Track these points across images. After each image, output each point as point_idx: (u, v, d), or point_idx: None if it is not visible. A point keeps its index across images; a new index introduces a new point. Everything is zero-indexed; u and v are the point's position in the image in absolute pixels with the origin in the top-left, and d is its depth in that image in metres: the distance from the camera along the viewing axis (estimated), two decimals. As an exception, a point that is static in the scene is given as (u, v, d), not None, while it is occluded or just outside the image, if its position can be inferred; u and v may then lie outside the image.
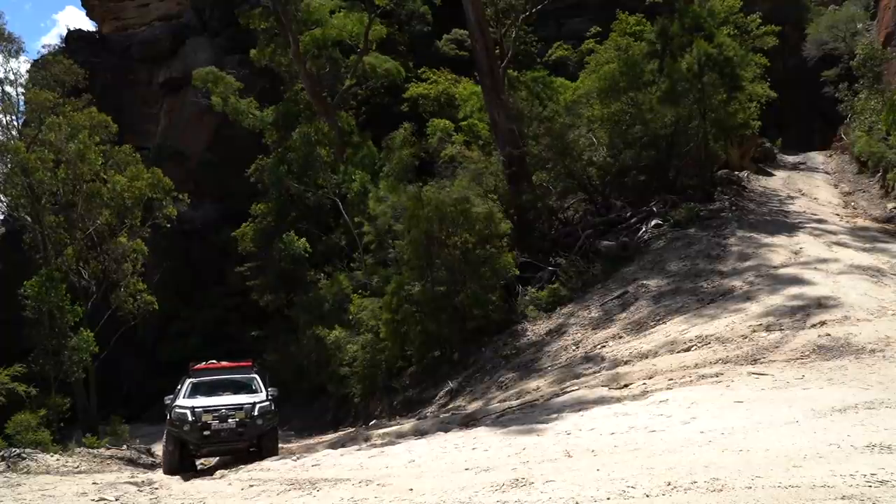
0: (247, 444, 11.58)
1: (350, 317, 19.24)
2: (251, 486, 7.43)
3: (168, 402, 12.18)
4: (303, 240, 24.32)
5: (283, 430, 17.32)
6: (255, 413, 11.52)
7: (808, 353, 8.91)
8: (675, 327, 11.75)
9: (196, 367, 12.77)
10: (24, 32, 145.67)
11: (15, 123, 23.00)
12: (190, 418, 11.15)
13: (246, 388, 12.24)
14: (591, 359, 11.90)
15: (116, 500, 7.61)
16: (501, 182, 19.91)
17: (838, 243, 15.50)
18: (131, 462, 13.33)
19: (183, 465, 11.49)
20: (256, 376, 12.76)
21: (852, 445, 5.04)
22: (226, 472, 9.95)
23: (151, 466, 13.01)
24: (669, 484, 4.73)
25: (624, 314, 13.55)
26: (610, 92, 20.16)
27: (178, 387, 12.52)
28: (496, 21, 24.57)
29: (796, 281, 12.40)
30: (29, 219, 21.29)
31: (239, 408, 11.43)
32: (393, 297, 15.99)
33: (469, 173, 19.78)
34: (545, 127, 19.79)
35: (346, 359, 18.33)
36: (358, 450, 9.74)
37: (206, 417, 11.17)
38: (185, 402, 11.65)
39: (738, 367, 8.93)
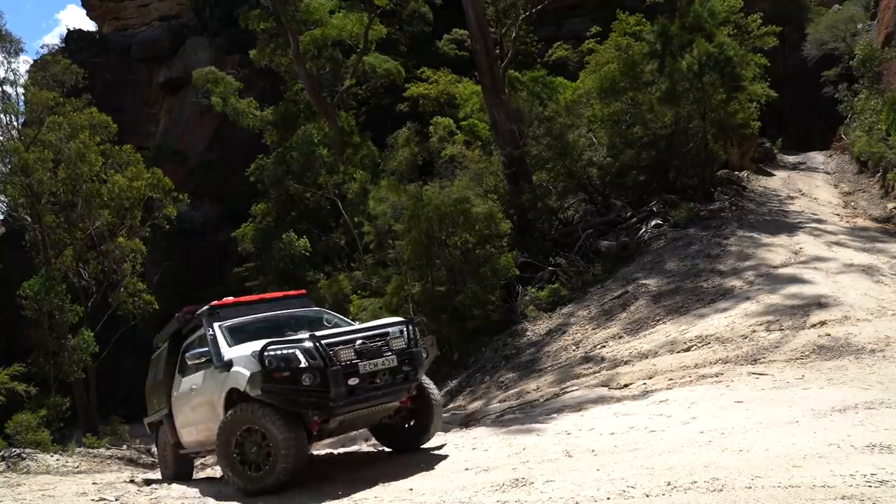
0: (406, 397, 7.13)
1: (350, 317, 19.24)
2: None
3: (154, 376, 9.01)
4: (303, 239, 24.35)
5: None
6: (413, 336, 7.14)
7: (808, 353, 8.91)
8: (674, 327, 11.75)
9: (218, 302, 8.31)
10: (26, 32, 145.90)
11: (15, 123, 23.05)
12: (313, 359, 6.44)
13: (322, 324, 8.02)
14: (591, 359, 11.90)
15: (116, 500, 7.61)
16: (501, 182, 19.93)
17: (838, 243, 15.50)
18: (131, 462, 13.33)
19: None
20: (326, 311, 8.97)
21: (852, 445, 5.04)
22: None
23: (152, 466, 12.99)
24: (669, 484, 4.73)
25: (624, 314, 13.55)
26: (610, 92, 20.17)
27: (191, 338, 8.35)
28: (496, 21, 24.58)
29: (796, 281, 12.40)
30: (29, 219, 21.31)
31: (383, 334, 6.96)
32: (393, 297, 15.99)
33: (469, 173, 19.80)
34: (545, 127, 19.79)
35: (346, 359, 18.30)
36: (358, 450, 9.73)
37: (346, 354, 6.58)
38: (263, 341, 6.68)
39: (738, 367, 8.93)
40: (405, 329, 7.12)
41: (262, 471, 6.46)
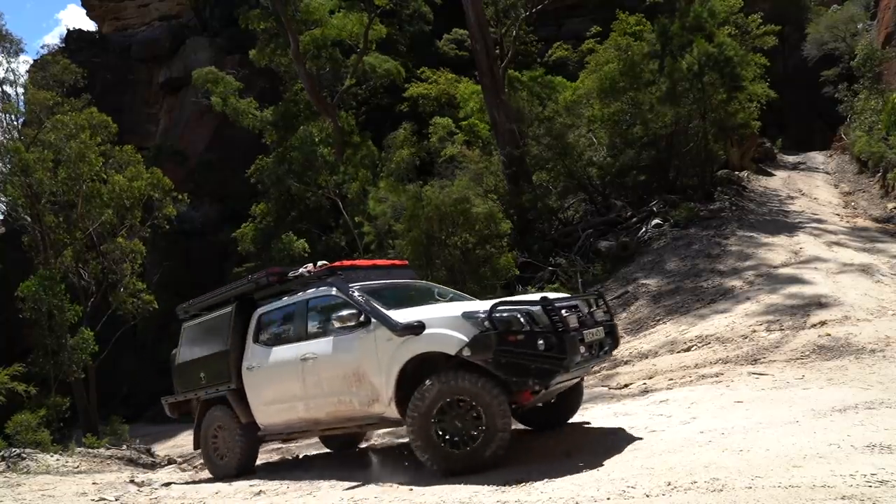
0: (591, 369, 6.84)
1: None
2: (251, 486, 7.42)
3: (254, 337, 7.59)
4: (302, 240, 24.34)
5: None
6: (610, 309, 7.16)
7: (808, 353, 8.92)
8: (674, 327, 11.76)
9: (338, 264, 7.69)
10: (26, 32, 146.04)
11: (15, 123, 23.04)
12: (536, 324, 5.90)
13: (435, 296, 7.59)
14: (591, 359, 11.88)
15: (116, 500, 7.61)
16: (501, 182, 19.95)
17: (838, 243, 15.52)
18: (131, 462, 13.29)
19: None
20: (434, 284, 8.65)
21: (852, 445, 5.04)
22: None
23: (152, 466, 12.96)
24: (669, 484, 4.73)
25: (624, 314, 13.55)
26: (610, 92, 20.20)
27: (270, 305, 7.73)
28: (496, 21, 24.62)
29: (796, 280, 12.41)
30: (28, 219, 21.27)
31: (574, 305, 6.48)
32: (393, 297, 15.97)
33: (469, 173, 19.81)
34: (545, 127, 19.81)
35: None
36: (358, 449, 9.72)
37: (572, 320, 6.15)
38: (470, 305, 6.38)
39: (738, 367, 8.93)
40: (603, 301, 6.93)
41: (468, 448, 5.82)
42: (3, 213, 24.74)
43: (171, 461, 13.35)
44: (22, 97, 23.08)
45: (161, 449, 17.04)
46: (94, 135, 21.66)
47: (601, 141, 20.54)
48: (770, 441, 5.46)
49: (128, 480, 9.25)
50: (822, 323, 9.94)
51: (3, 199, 22.29)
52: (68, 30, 51.02)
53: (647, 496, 4.60)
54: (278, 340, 7.54)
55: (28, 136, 21.88)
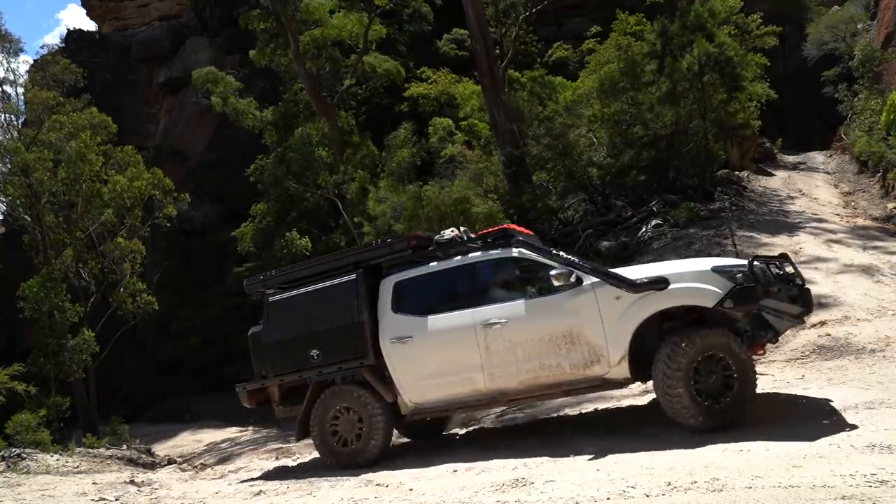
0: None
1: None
2: (251, 486, 7.42)
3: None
4: (305, 238, 24.31)
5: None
6: None
7: (808, 353, 8.93)
8: (675, 327, 11.72)
9: (508, 227, 7.49)
10: (26, 32, 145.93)
11: (15, 123, 23.03)
12: (768, 276, 6.24)
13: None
14: (591, 359, 11.86)
15: (116, 500, 7.61)
16: (501, 182, 19.93)
17: (838, 243, 15.52)
18: (131, 462, 13.30)
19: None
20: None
21: (852, 445, 5.04)
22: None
23: (151, 466, 12.97)
24: (669, 484, 4.73)
25: (624, 314, 13.51)
26: (610, 92, 20.18)
27: (405, 272, 7.25)
28: (496, 21, 24.61)
29: (796, 281, 12.40)
30: (28, 219, 21.26)
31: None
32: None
33: (469, 173, 19.80)
34: (545, 127, 19.80)
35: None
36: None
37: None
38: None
39: (738, 367, 8.92)
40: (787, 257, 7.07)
41: (721, 403, 5.87)
42: (3, 213, 24.73)
43: (171, 461, 13.37)
44: (22, 97, 23.06)
45: (161, 449, 17.06)
46: (94, 135, 21.64)
47: (601, 141, 20.52)
48: (770, 441, 5.46)
49: (128, 480, 9.25)
50: (822, 323, 9.95)
51: (3, 199, 22.26)
52: (68, 30, 51.02)
53: (647, 496, 4.60)
54: (434, 308, 7.04)
55: (28, 136, 21.86)
